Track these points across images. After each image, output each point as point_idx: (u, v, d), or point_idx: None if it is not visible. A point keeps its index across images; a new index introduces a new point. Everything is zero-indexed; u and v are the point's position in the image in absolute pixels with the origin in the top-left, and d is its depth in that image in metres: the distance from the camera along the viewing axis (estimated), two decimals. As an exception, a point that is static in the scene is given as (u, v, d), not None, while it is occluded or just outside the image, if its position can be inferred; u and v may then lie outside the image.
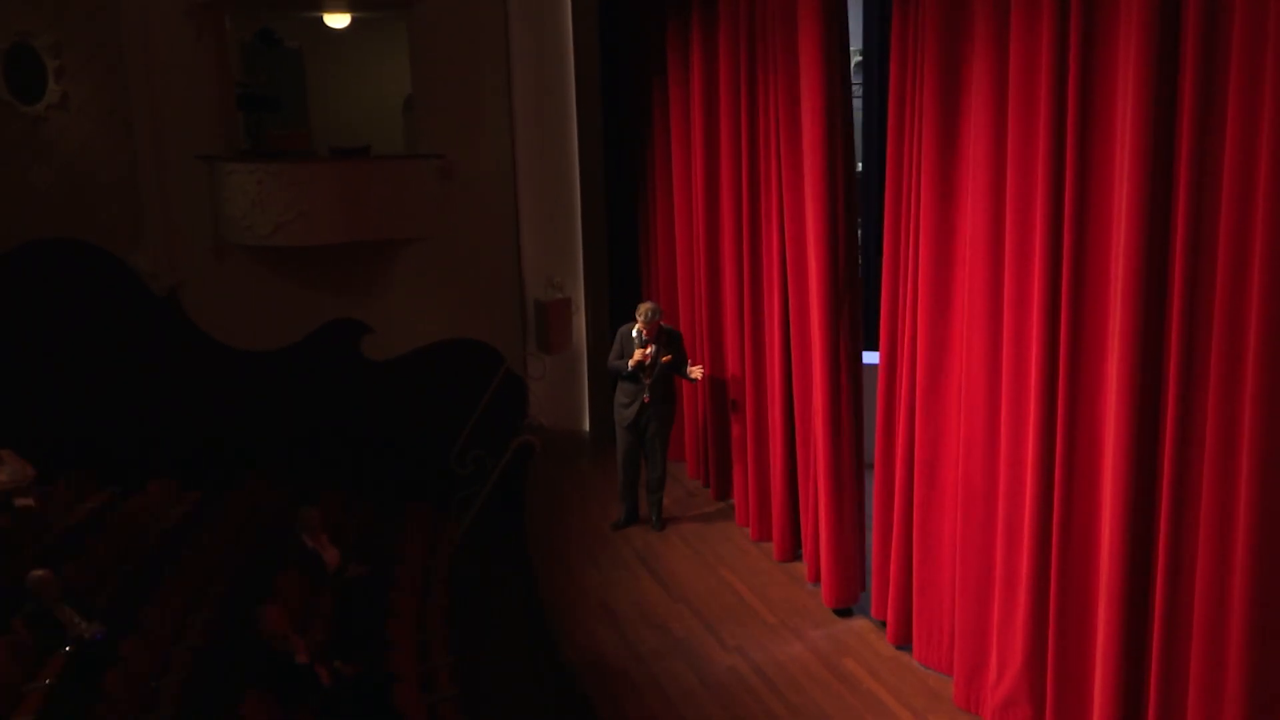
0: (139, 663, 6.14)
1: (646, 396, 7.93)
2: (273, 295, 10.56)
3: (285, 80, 11.80)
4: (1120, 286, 4.29)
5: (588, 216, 10.41)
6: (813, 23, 6.34)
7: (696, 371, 7.96)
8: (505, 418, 10.35)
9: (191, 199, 10.31)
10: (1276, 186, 3.61)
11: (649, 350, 7.83)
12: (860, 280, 6.94)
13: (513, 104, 10.34)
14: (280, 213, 9.76)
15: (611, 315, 9.93)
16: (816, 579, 6.99)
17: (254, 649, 6.09)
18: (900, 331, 5.92)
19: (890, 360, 6.08)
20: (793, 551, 7.50)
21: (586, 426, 10.62)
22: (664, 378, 7.97)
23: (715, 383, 8.48)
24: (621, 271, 10.12)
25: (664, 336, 7.93)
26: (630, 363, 7.87)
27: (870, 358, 9.67)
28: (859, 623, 6.57)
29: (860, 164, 14.12)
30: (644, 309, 7.86)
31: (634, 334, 7.89)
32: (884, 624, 6.34)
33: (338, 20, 11.29)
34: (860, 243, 13.42)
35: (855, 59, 15.80)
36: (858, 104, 14.69)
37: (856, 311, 6.79)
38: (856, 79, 16.01)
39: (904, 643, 6.13)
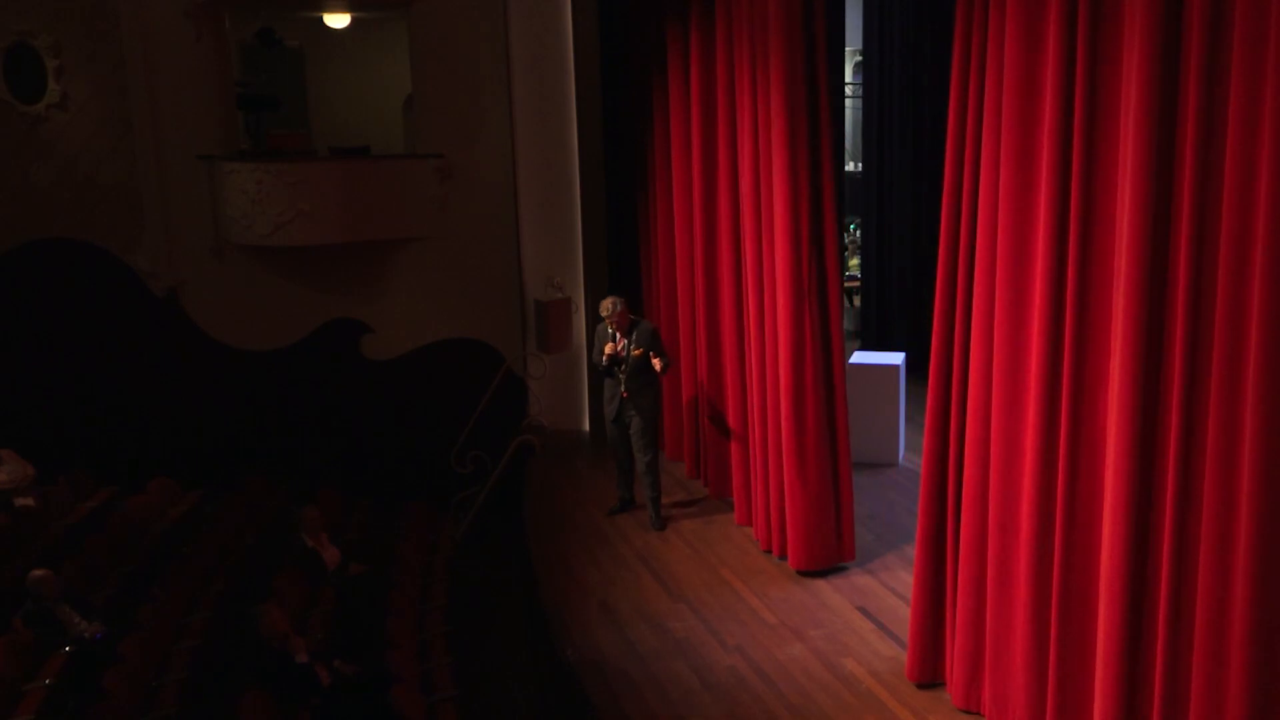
0: (139, 662, 6.15)
1: (624, 391, 8.00)
2: (272, 295, 10.56)
3: (285, 80, 11.80)
4: (1123, 286, 4.29)
5: (587, 216, 10.41)
6: (780, 22, 6.56)
7: (656, 364, 8.01)
8: (505, 417, 10.35)
9: (191, 199, 10.31)
10: (1277, 186, 3.62)
11: (620, 345, 7.94)
12: (838, 279, 7.15)
13: (513, 103, 10.34)
14: (280, 212, 9.77)
15: (611, 315, 9.94)
16: (769, 547, 7.43)
17: (253, 649, 6.10)
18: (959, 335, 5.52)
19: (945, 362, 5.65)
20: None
21: (586, 426, 10.62)
22: (640, 371, 8.04)
23: (715, 381, 8.48)
24: (621, 271, 10.12)
25: (636, 329, 8.03)
26: (604, 356, 7.97)
27: (865, 358, 9.75)
28: (860, 621, 6.57)
29: (859, 164, 14.17)
30: (605, 305, 8.01)
31: (609, 327, 8.04)
32: (881, 623, 6.32)
33: (337, 20, 11.29)
34: (859, 242, 13.51)
35: (855, 59, 15.85)
36: (857, 104, 14.76)
37: (829, 308, 6.99)
38: (856, 79, 16.07)
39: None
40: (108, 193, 10.30)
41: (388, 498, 9.73)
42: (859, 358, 9.66)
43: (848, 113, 13.21)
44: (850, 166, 14.66)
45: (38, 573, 6.54)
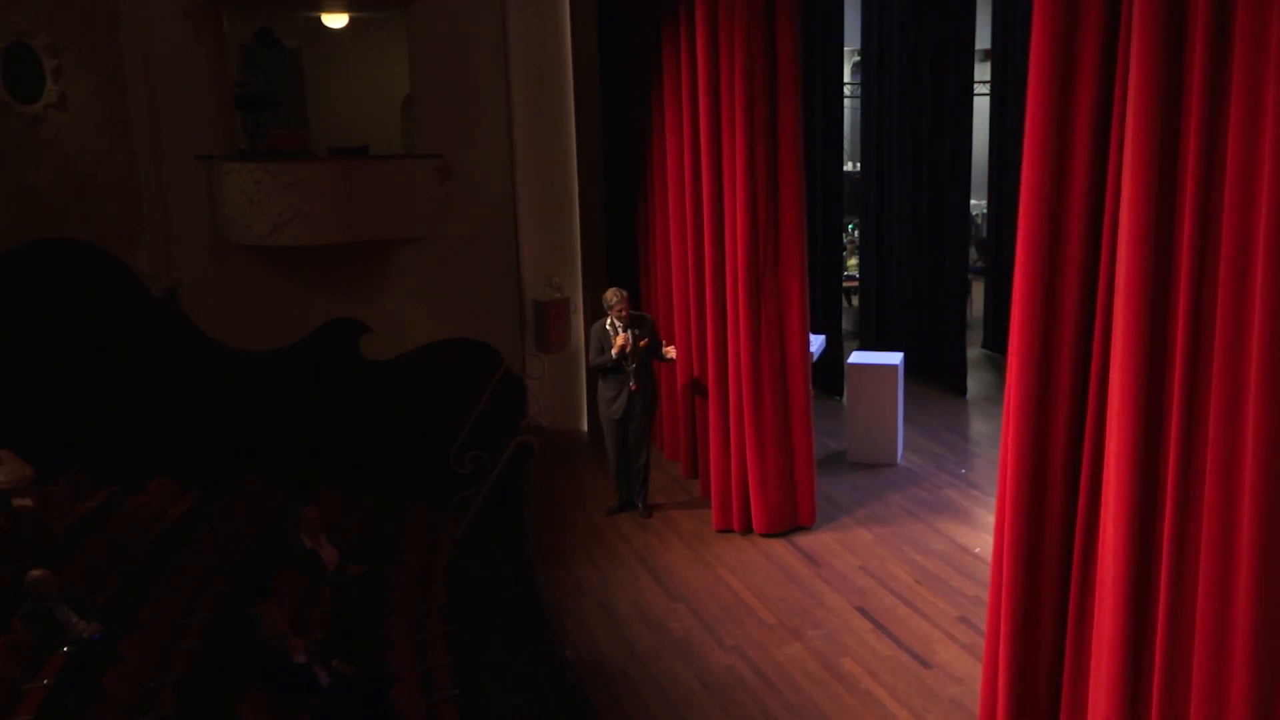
0: (138, 662, 6.14)
1: (634, 384, 8.01)
2: (271, 295, 10.56)
3: (284, 80, 11.79)
4: (1124, 287, 4.29)
5: (586, 216, 10.42)
6: (758, 23, 6.99)
7: (671, 351, 8.15)
8: (504, 417, 10.35)
9: (190, 199, 10.30)
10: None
11: (628, 336, 7.97)
12: (799, 262, 7.61)
13: (511, 103, 10.34)
14: (279, 212, 9.76)
15: (610, 315, 9.94)
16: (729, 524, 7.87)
17: (253, 649, 6.10)
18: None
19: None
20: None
21: (585, 426, 10.63)
22: (644, 363, 8.07)
23: (715, 382, 8.47)
24: (620, 271, 10.12)
25: (636, 321, 8.07)
26: (614, 350, 7.95)
27: (864, 357, 9.73)
28: (859, 621, 6.58)
29: (859, 164, 14.14)
30: (610, 294, 8.02)
31: (609, 325, 8.02)
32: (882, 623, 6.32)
33: (336, 20, 11.29)
34: (858, 242, 13.47)
35: (854, 59, 15.82)
36: (857, 104, 14.75)
37: (791, 291, 7.55)
38: (855, 79, 16.05)
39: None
40: (106, 193, 10.30)
41: (387, 498, 9.73)
42: (857, 357, 9.65)
43: (846, 113, 13.18)
44: (849, 166, 14.65)
45: (36, 573, 6.54)
